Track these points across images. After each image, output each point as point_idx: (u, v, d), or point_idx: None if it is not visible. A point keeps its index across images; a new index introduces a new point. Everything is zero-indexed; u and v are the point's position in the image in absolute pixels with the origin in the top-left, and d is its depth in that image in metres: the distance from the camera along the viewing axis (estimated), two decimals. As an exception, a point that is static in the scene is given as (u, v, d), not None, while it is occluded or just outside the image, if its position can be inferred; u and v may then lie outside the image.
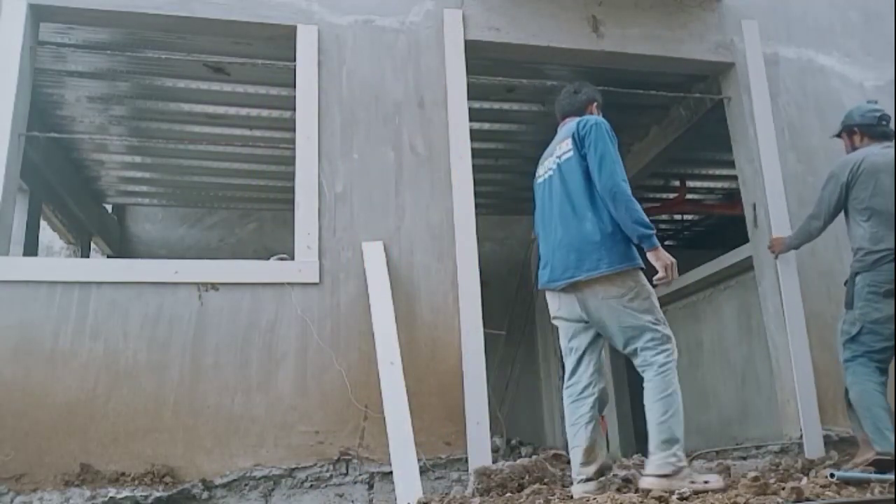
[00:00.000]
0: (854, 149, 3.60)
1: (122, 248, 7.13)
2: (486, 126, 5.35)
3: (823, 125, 4.38)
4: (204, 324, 3.33)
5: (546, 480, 3.08)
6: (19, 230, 4.98)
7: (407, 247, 3.65)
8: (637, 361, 2.82)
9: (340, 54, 3.89)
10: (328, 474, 3.22)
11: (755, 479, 2.58)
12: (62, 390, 3.11)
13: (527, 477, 3.08)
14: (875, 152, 3.43)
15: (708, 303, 5.25)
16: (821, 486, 2.61)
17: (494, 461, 3.32)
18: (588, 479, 2.78)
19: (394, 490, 2.91)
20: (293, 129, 3.77)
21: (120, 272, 3.40)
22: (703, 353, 5.35)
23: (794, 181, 4.29)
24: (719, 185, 6.82)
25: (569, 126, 3.04)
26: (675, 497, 2.56)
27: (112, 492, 2.91)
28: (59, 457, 3.01)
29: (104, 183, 6.26)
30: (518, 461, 3.18)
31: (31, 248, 5.21)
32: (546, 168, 3.12)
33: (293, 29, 3.84)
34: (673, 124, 5.32)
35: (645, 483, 2.66)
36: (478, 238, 3.73)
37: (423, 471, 3.11)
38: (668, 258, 2.79)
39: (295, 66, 3.81)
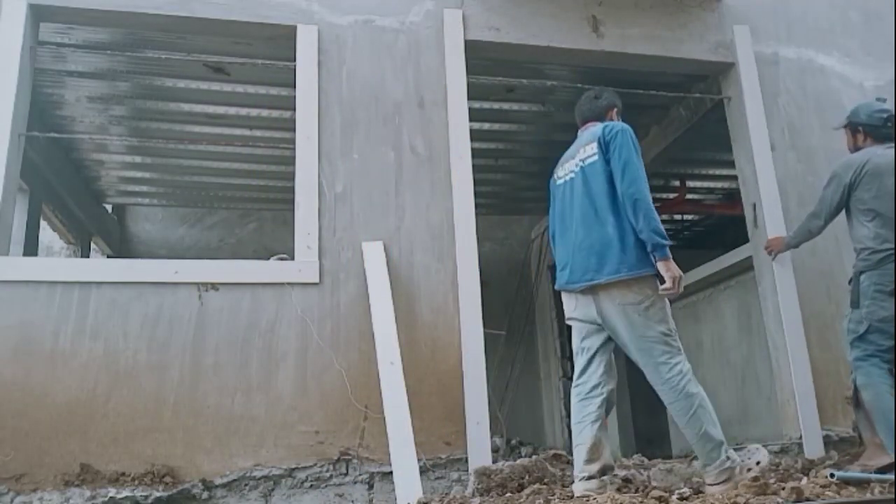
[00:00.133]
0: (855, 146, 3.59)
1: (122, 248, 7.13)
2: (486, 126, 5.34)
3: (823, 125, 4.38)
4: (204, 324, 3.33)
5: (546, 480, 3.08)
6: (19, 230, 4.98)
7: (407, 247, 3.65)
8: (650, 375, 2.83)
9: (340, 54, 3.89)
10: (328, 474, 3.22)
11: (755, 478, 2.58)
12: (62, 390, 3.11)
13: (527, 477, 3.08)
14: (878, 153, 3.43)
15: (708, 303, 5.25)
16: (821, 486, 2.61)
17: (494, 461, 3.32)
18: (590, 477, 2.78)
19: (394, 490, 2.91)
20: (293, 129, 3.77)
21: (120, 272, 3.40)
22: (703, 353, 5.35)
23: (795, 181, 4.29)
24: (719, 185, 6.82)
25: (592, 130, 3.06)
26: (675, 497, 2.57)
27: (112, 492, 2.91)
28: (59, 457, 3.01)
29: (104, 183, 6.25)
30: (518, 461, 3.18)
31: (31, 248, 5.21)
32: (567, 170, 3.12)
33: (293, 29, 3.84)
34: (673, 124, 5.32)
35: (711, 491, 2.70)
36: (478, 238, 3.73)
37: (423, 471, 3.11)
38: (678, 271, 2.81)
39: (295, 66, 3.81)
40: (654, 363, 2.80)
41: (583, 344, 2.99)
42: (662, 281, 2.81)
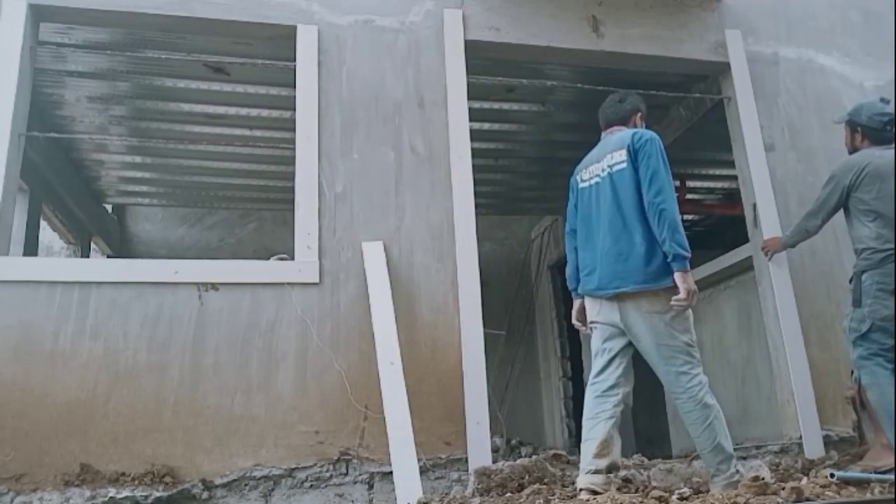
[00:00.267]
0: (853, 145, 3.62)
1: (122, 248, 7.14)
2: (486, 126, 5.34)
3: (823, 125, 4.38)
4: (204, 324, 3.33)
5: (546, 480, 3.08)
6: (19, 230, 4.98)
7: (407, 247, 3.65)
8: (670, 384, 2.85)
9: (340, 54, 3.89)
10: (328, 474, 3.22)
11: (755, 478, 2.58)
12: (62, 390, 3.11)
13: (527, 477, 3.08)
14: (877, 155, 3.44)
15: (708, 303, 5.24)
16: (821, 486, 2.62)
17: (494, 461, 3.32)
18: (597, 472, 2.77)
19: (394, 490, 2.91)
20: (293, 129, 3.77)
21: (120, 272, 3.40)
22: (703, 353, 5.30)
23: (795, 181, 4.29)
24: (719, 185, 6.82)
25: (620, 136, 3.07)
26: (675, 497, 2.57)
27: (112, 492, 2.91)
28: (59, 457, 3.01)
29: (104, 183, 6.25)
30: (518, 461, 3.18)
31: (31, 248, 5.21)
32: (592, 174, 3.11)
33: (293, 29, 3.84)
34: (673, 124, 5.32)
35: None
36: (478, 238, 3.72)
37: (423, 471, 3.11)
38: (693, 285, 2.84)
39: (295, 66, 3.81)
40: (675, 372, 2.82)
41: (604, 345, 3.00)
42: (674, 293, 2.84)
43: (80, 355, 3.17)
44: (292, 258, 3.54)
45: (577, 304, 3.22)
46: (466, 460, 3.32)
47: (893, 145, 3.49)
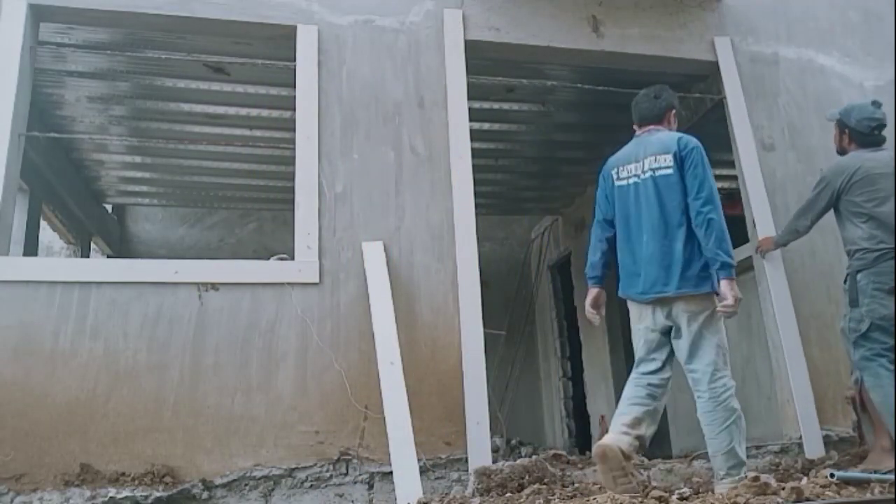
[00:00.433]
0: (840, 145, 3.68)
1: (122, 248, 7.14)
2: (486, 126, 5.34)
3: (823, 125, 4.37)
4: (204, 324, 3.33)
5: (546, 480, 3.08)
6: (19, 230, 4.98)
7: (407, 247, 3.65)
8: (697, 381, 2.90)
9: (340, 54, 3.89)
10: (328, 474, 3.22)
11: (755, 478, 2.58)
12: (62, 390, 3.11)
13: (527, 477, 3.08)
14: (867, 157, 3.48)
15: (708, 303, 5.24)
16: (821, 486, 2.62)
17: (494, 461, 3.32)
18: (626, 434, 2.86)
19: (394, 490, 2.91)
20: (293, 129, 3.77)
21: (120, 272, 3.40)
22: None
23: (795, 181, 4.30)
24: (719, 184, 6.77)
25: (661, 138, 3.12)
26: (675, 497, 2.57)
27: (112, 492, 2.91)
28: (59, 457, 3.01)
29: (104, 183, 6.25)
30: (518, 461, 3.18)
31: (31, 248, 5.21)
32: (631, 173, 3.15)
33: (293, 29, 3.84)
34: (673, 124, 5.32)
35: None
36: (478, 238, 3.72)
37: (423, 471, 3.11)
38: (739, 293, 2.93)
39: (295, 66, 3.81)
40: (703, 368, 2.88)
41: (651, 356, 3.06)
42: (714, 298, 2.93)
43: (80, 355, 3.17)
44: (292, 258, 3.54)
45: (593, 292, 3.26)
46: (466, 460, 3.32)
47: (882, 147, 3.53)
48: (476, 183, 3.85)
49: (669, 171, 3.01)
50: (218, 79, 4.55)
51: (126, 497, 2.90)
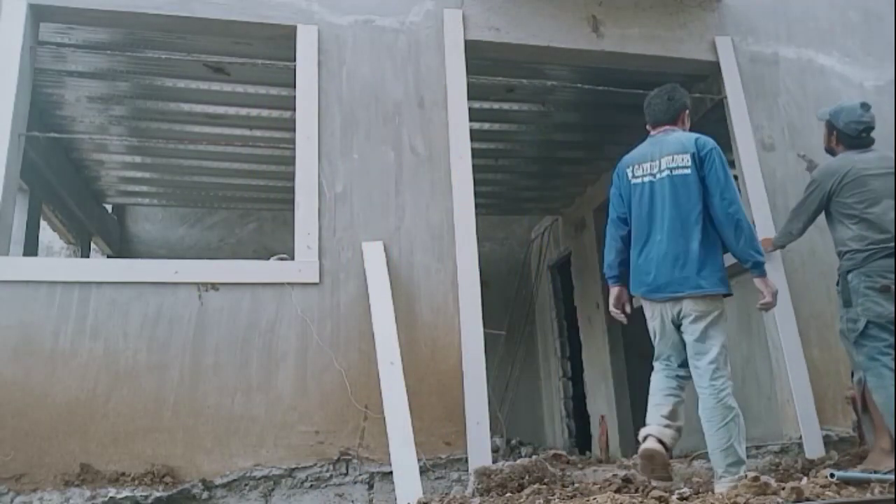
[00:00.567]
0: (828, 145, 3.71)
1: (122, 248, 7.14)
2: (486, 126, 5.34)
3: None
4: (204, 324, 3.33)
5: (546, 480, 3.08)
6: (19, 230, 4.98)
7: (407, 247, 3.65)
8: (699, 377, 2.95)
9: (340, 54, 3.89)
10: (328, 474, 3.22)
11: (755, 478, 2.58)
12: (62, 390, 3.11)
13: (527, 477, 3.08)
14: (856, 159, 3.50)
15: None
16: (821, 486, 2.62)
17: (494, 461, 3.32)
18: (668, 426, 2.91)
19: (394, 490, 2.91)
20: (293, 129, 3.77)
21: (120, 272, 3.40)
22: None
23: (795, 181, 4.29)
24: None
25: (678, 138, 3.15)
26: (675, 497, 2.57)
27: (112, 492, 2.91)
28: (59, 457, 3.01)
29: (104, 183, 6.25)
30: (518, 461, 3.18)
31: (31, 248, 5.21)
32: (647, 171, 3.17)
33: (293, 29, 3.84)
34: (673, 124, 5.31)
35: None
36: (478, 238, 3.72)
37: (423, 471, 3.12)
38: (775, 286, 3.12)
39: (295, 66, 3.81)
40: (703, 367, 2.92)
41: (667, 341, 3.10)
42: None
43: (80, 355, 3.17)
44: (292, 258, 3.54)
45: (615, 291, 3.32)
46: (466, 460, 3.32)
47: (871, 149, 3.56)
48: (476, 183, 3.85)
49: (687, 170, 3.04)
50: (218, 79, 4.55)
51: (126, 497, 2.90)
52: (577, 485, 3.07)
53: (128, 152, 5.63)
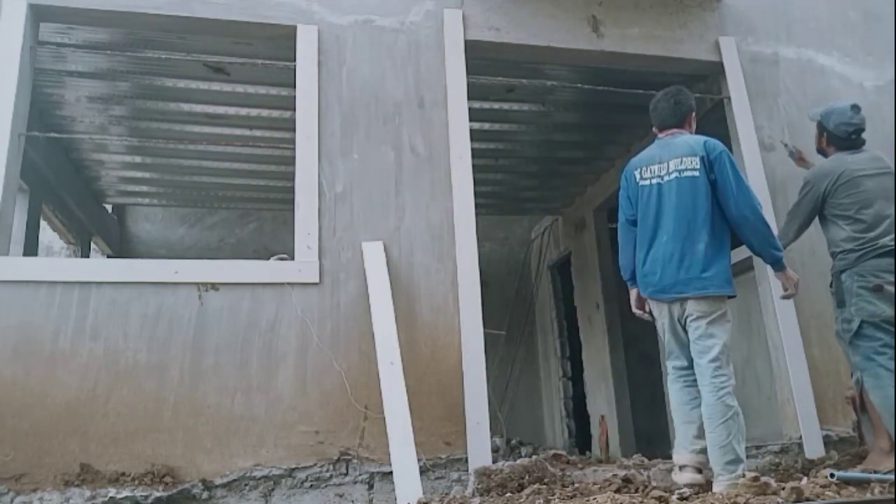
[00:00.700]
0: (819, 146, 3.75)
1: (122, 248, 7.14)
2: (486, 126, 5.34)
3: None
4: (204, 324, 3.33)
5: (546, 480, 3.08)
6: (19, 230, 4.98)
7: (407, 247, 3.65)
8: (701, 374, 2.98)
9: (340, 54, 3.89)
10: (328, 474, 3.22)
11: (755, 478, 2.58)
12: (62, 390, 3.11)
13: (527, 477, 3.08)
14: (849, 160, 3.53)
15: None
16: (821, 486, 2.61)
17: (494, 461, 3.32)
18: (702, 451, 2.95)
19: (394, 490, 2.91)
20: (293, 129, 3.77)
21: (120, 272, 3.40)
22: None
23: (795, 181, 4.27)
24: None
25: (686, 141, 3.18)
26: (675, 497, 2.57)
27: (112, 492, 2.91)
28: (59, 457, 3.01)
29: (104, 183, 6.25)
30: (518, 461, 3.18)
31: (31, 248, 5.21)
32: (655, 174, 3.20)
33: (293, 29, 3.84)
34: (673, 124, 5.31)
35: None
36: (478, 238, 3.72)
37: (423, 471, 3.12)
38: (795, 276, 3.24)
39: (295, 66, 3.81)
40: (706, 362, 2.95)
41: (677, 343, 3.14)
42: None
43: (80, 355, 3.17)
44: (292, 258, 3.54)
45: (634, 292, 3.36)
46: (466, 460, 3.32)
47: (861, 149, 3.58)
48: (476, 183, 3.85)
49: (696, 173, 3.07)
50: (218, 79, 4.55)
51: (126, 497, 2.90)
52: (577, 485, 3.07)
53: (128, 152, 5.63)
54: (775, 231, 4.07)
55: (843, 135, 3.59)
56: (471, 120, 3.96)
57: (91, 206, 6.33)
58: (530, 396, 7.69)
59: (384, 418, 3.07)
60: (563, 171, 6.42)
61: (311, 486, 3.19)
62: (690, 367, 3.08)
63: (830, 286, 3.55)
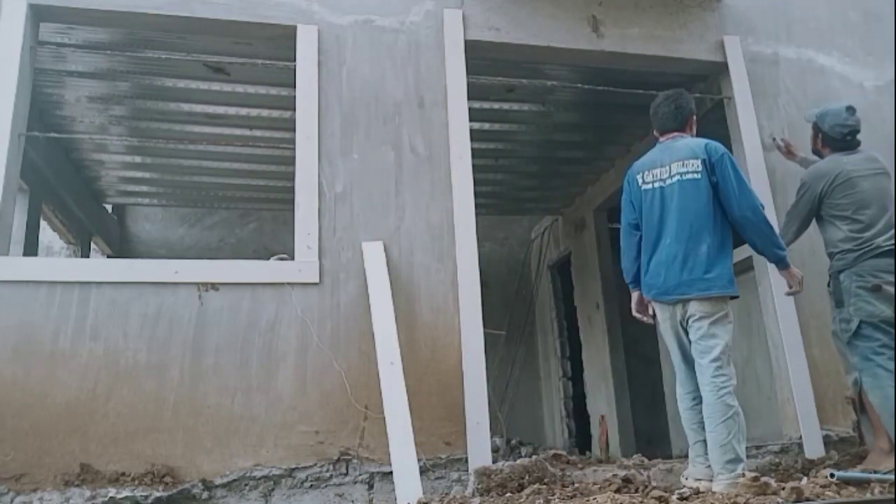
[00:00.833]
0: (814, 147, 3.77)
1: (122, 248, 7.13)
2: (486, 126, 5.34)
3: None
4: (204, 324, 3.33)
5: (546, 480, 3.08)
6: (19, 230, 4.97)
7: (407, 247, 3.65)
8: (702, 373, 3.01)
9: (340, 54, 3.89)
10: (328, 474, 3.22)
11: (755, 478, 2.58)
12: (62, 390, 3.11)
13: (527, 477, 3.08)
14: (845, 161, 3.55)
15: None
16: (821, 486, 2.61)
17: (494, 461, 3.32)
18: (710, 466, 2.98)
19: (394, 490, 2.91)
20: (293, 129, 3.77)
21: (120, 272, 3.40)
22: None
23: (795, 181, 4.27)
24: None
25: (687, 144, 3.21)
26: (675, 497, 2.57)
27: (112, 492, 2.91)
28: (59, 457, 3.01)
29: (104, 183, 6.25)
30: (518, 461, 3.18)
31: (31, 248, 5.21)
32: (657, 177, 3.22)
33: (293, 29, 3.84)
34: (673, 124, 5.31)
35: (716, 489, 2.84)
36: (478, 238, 3.72)
37: (423, 471, 3.12)
38: (799, 273, 3.29)
39: (295, 66, 3.81)
40: (707, 362, 2.98)
41: (681, 352, 3.19)
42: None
43: (80, 355, 3.17)
44: (292, 258, 3.54)
45: (636, 295, 3.40)
46: (466, 460, 3.32)
47: (857, 150, 3.60)
48: (476, 183, 3.85)
49: (698, 175, 3.10)
50: (218, 79, 4.55)
51: (126, 497, 2.90)
52: (577, 485, 3.07)
53: (128, 152, 5.63)
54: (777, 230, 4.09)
55: (837, 136, 3.61)
56: (471, 120, 3.96)
57: (91, 206, 6.33)
58: (530, 396, 7.69)
59: (384, 418, 3.07)
60: (563, 171, 6.42)
61: (311, 486, 3.19)
62: (697, 389, 3.10)
63: (828, 286, 3.56)
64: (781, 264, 3.22)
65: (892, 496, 2.56)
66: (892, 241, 3.36)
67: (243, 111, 4.98)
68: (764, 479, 2.63)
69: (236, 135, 5.26)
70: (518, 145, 5.80)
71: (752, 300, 4.53)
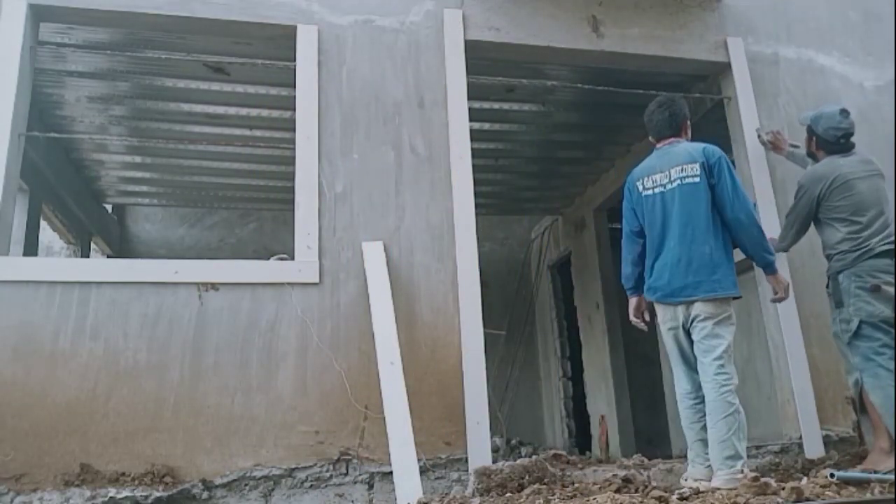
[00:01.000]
0: (808, 149, 3.79)
1: (122, 248, 7.14)
2: (486, 126, 5.34)
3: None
4: (204, 324, 3.33)
5: (546, 480, 3.08)
6: (19, 230, 4.98)
7: (407, 247, 3.65)
8: (704, 373, 3.04)
9: (340, 54, 3.89)
10: (328, 474, 3.22)
11: (755, 478, 2.58)
12: (62, 390, 3.11)
13: (527, 477, 3.08)
14: (841, 163, 3.56)
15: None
16: (821, 486, 2.61)
17: (494, 461, 3.32)
18: (709, 466, 3.02)
19: (394, 490, 2.91)
20: (293, 129, 3.77)
21: (120, 272, 3.40)
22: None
23: (794, 180, 4.28)
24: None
25: (685, 148, 3.26)
26: (675, 497, 2.57)
27: (112, 492, 2.91)
28: (59, 457, 3.01)
29: (104, 183, 6.25)
30: (518, 461, 3.18)
31: (31, 248, 5.21)
32: (657, 183, 3.26)
33: (293, 29, 3.84)
34: (673, 124, 5.31)
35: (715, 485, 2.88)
36: (478, 238, 3.72)
37: (423, 471, 3.11)
38: (786, 280, 3.37)
39: (295, 66, 3.81)
40: (710, 360, 3.01)
41: (681, 354, 3.22)
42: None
43: (80, 355, 3.17)
44: (292, 258, 3.54)
45: (633, 301, 3.44)
46: (466, 460, 3.32)
47: (852, 153, 3.61)
48: (476, 183, 3.85)
49: (696, 179, 3.14)
50: (218, 79, 4.55)
51: (126, 497, 2.90)
52: (577, 485, 3.07)
53: (128, 152, 5.63)
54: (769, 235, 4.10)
55: (832, 139, 3.63)
56: (471, 120, 3.96)
57: (91, 206, 6.33)
58: (530, 396, 7.69)
59: (384, 418, 3.07)
60: (563, 171, 6.42)
61: (311, 486, 3.19)
62: (696, 389, 3.14)
63: (827, 287, 3.58)
64: (769, 269, 3.27)
65: (892, 496, 2.56)
66: (890, 242, 3.37)
67: (243, 111, 4.98)
68: (764, 479, 2.63)
69: (236, 135, 5.26)
70: (518, 145, 5.81)
71: (752, 300, 4.53)
